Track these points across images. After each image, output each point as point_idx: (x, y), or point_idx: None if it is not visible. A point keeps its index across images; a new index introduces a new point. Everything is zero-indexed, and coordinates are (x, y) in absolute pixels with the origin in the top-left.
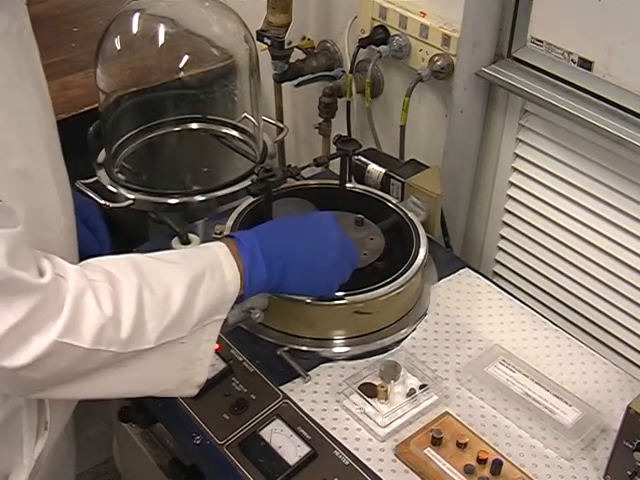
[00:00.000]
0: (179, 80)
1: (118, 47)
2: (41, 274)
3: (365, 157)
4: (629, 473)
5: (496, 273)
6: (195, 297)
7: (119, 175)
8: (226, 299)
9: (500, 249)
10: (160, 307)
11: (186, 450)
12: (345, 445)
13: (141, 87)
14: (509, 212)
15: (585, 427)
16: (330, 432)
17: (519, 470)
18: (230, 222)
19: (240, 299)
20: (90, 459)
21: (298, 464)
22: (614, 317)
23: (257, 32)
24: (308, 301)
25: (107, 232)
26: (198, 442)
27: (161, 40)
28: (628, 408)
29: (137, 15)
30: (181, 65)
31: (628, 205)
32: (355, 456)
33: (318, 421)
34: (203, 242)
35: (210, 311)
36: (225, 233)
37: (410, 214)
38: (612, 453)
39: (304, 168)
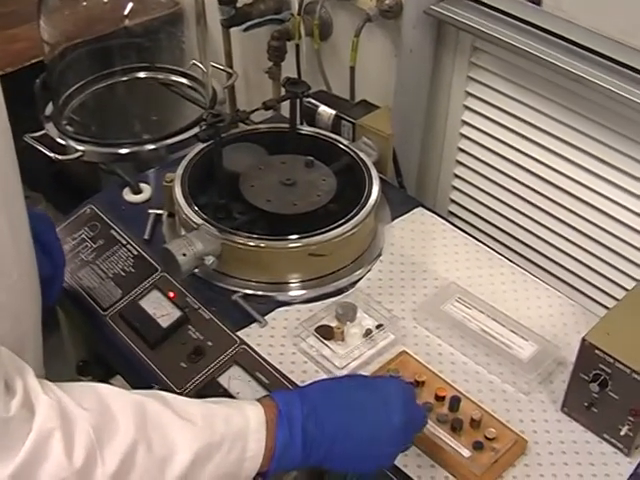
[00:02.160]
0: (125, 29)
1: None
2: (8, 395)
3: (315, 99)
4: (585, 404)
5: (451, 212)
6: (202, 469)
7: (67, 127)
8: (240, 476)
9: (455, 188)
10: (153, 471)
11: None
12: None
13: (87, 37)
14: (462, 151)
15: (542, 361)
16: (288, 376)
17: (477, 406)
18: (180, 170)
19: (262, 476)
20: None
21: None
22: (568, 252)
23: None
24: (262, 245)
25: (62, 253)
26: None
27: None
28: (583, 340)
29: None
30: (126, 13)
31: (579, 139)
32: None
33: (276, 365)
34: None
35: None
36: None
37: (362, 155)
38: (568, 385)
39: (253, 112)
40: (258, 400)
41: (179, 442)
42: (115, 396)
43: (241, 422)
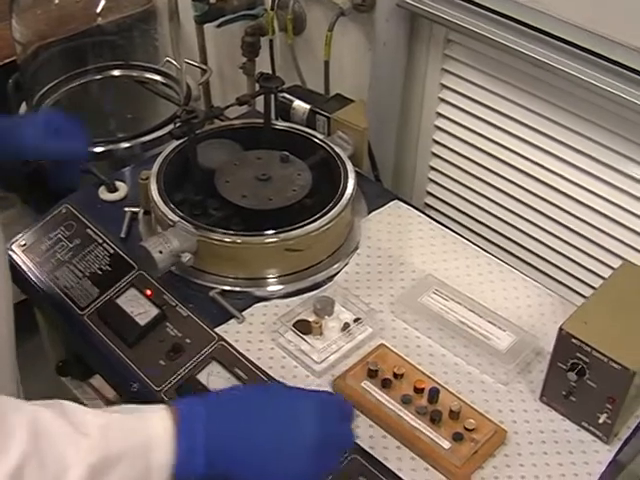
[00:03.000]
0: (98, 27)
1: None
2: None
3: (290, 94)
4: (564, 393)
5: (428, 204)
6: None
7: None
8: None
9: (431, 180)
10: None
11: (124, 399)
12: (282, 383)
13: (59, 36)
14: (438, 143)
15: (520, 351)
16: (267, 371)
17: (456, 397)
18: (155, 168)
19: None
20: None
21: None
22: (545, 241)
23: None
24: (238, 241)
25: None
26: (135, 390)
27: None
28: (560, 329)
29: None
30: (98, 11)
31: (553, 129)
32: None
33: (254, 361)
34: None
35: None
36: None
37: (337, 149)
38: (546, 375)
39: (227, 108)
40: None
41: (72, 456)
42: (12, 408)
43: (143, 434)
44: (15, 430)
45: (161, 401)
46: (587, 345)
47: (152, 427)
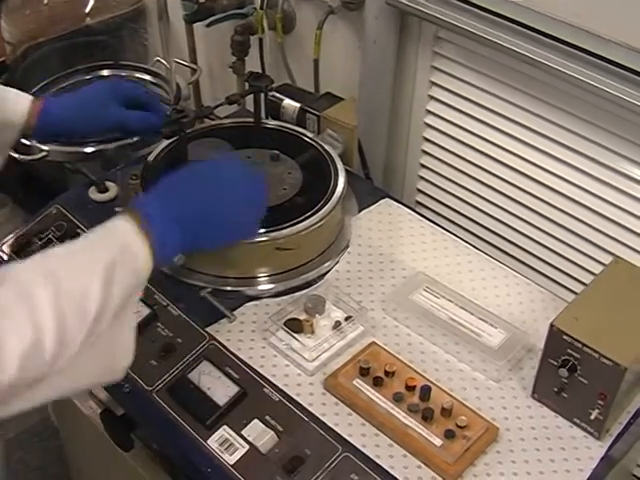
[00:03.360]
0: (87, 27)
1: None
2: None
3: (280, 93)
4: (555, 390)
5: (419, 202)
6: (111, 291)
7: None
8: (139, 281)
9: (421, 178)
10: (79, 312)
11: (116, 399)
12: (274, 382)
13: (49, 37)
14: (428, 140)
15: (511, 348)
16: (258, 370)
17: (448, 394)
18: (146, 167)
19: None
20: (27, 418)
21: (228, 404)
22: (536, 238)
23: None
24: None
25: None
26: (127, 390)
27: None
28: (551, 326)
29: None
30: (87, 11)
31: (544, 126)
32: (285, 392)
33: (246, 360)
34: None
35: (127, 296)
36: (128, 205)
37: (327, 147)
38: (538, 371)
39: (217, 107)
40: (124, 213)
41: (87, 278)
42: (19, 271)
43: (120, 239)
44: (38, 279)
45: (154, 402)
46: (578, 341)
47: (123, 233)
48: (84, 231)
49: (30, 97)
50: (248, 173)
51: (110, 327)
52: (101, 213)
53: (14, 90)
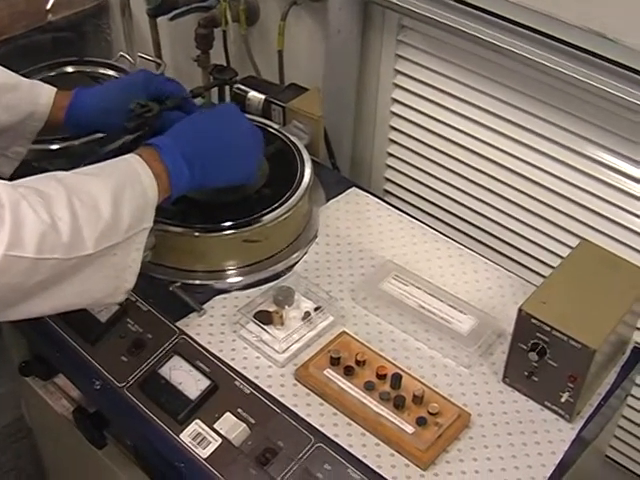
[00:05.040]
0: (49, 24)
1: None
2: None
3: (245, 85)
4: (526, 374)
5: (387, 191)
6: (121, 204)
7: None
8: (148, 205)
9: (389, 167)
10: (92, 214)
11: (88, 396)
12: (245, 374)
13: (10, 34)
14: (395, 129)
15: (481, 334)
16: (229, 363)
17: (419, 382)
18: None
19: (168, 201)
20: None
21: (200, 398)
22: (503, 223)
23: None
24: (196, 234)
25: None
26: (98, 387)
27: None
28: (519, 310)
29: None
30: (49, 7)
31: (509, 112)
32: (256, 384)
33: (216, 353)
34: None
35: (137, 217)
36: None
37: (293, 138)
38: (508, 356)
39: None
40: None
41: (97, 191)
42: (33, 180)
43: (128, 166)
44: (52, 184)
45: (126, 398)
46: (546, 325)
47: (131, 162)
48: None
49: (53, 88)
50: (249, 122)
51: (120, 248)
52: None
53: (27, 80)
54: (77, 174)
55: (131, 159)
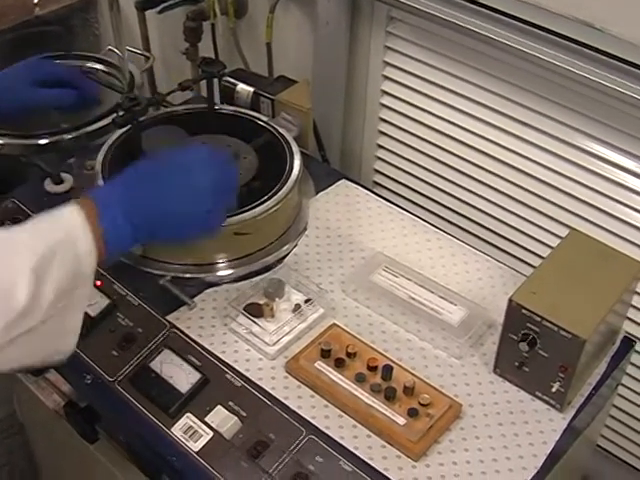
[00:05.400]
0: (37, 18)
1: None
2: None
3: (233, 78)
4: (516, 364)
5: (377, 183)
6: (44, 283)
7: None
8: (82, 273)
9: (379, 158)
10: (2, 304)
11: (79, 391)
12: (236, 367)
13: None
14: (384, 121)
15: (472, 324)
16: (220, 356)
17: (410, 373)
18: (100, 157)
19: (101, 264)
20: None
21: (191, 391)
22: (493, 214)
23: None
24: None
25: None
26: (89, 382)
27: None
28: (510, 301)
29: None
30: (36, 1)
31: (499, 103)
32: (247, 377)
33: (207, 347)
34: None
35: (65, 290)
36: (83, 194)
37: (282, 130)
38: (499, 347)
39: (169, 94)
40: (76, 202)
41: (16, 266)
42: None
43: (64, 227)
44: None
45: (117, 393)
46: (537, 315)
47: (69, 222)
48: None
49: None
50: (213, 157)
51: (49, 321)
52: (57, 205)
53: None
54: (4, 239)
55: (70, 218)
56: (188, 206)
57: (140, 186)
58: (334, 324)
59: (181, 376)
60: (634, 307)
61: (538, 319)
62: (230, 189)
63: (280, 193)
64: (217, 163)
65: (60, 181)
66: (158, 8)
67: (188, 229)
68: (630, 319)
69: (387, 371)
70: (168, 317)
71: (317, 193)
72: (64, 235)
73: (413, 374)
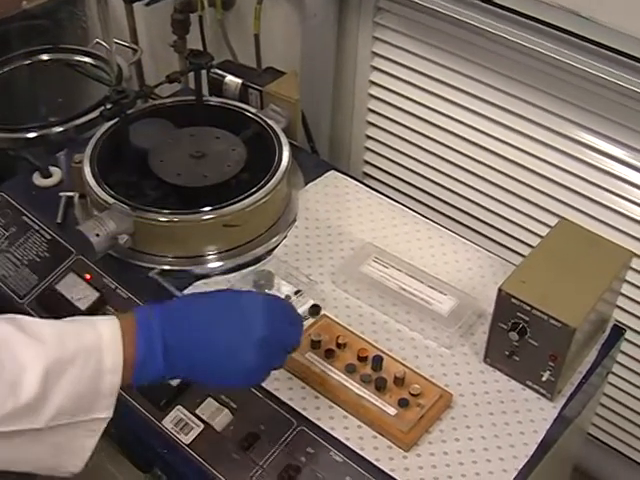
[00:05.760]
0: (24, 12)
1: None
2: None
3: (221, 69)
4: (507, 353)
5: (366, 174)
6: (55, 385)
7: None
8: (101, 392)
9: (368, 149)
10: (3, 390)
11: None
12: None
13: None
14: (373, 111)
15: (462, 314)
16: None
17: (400, 363)
18: (88, 150)
19: (128, 389)
20: None
21: (181, 384)
22: (483, 204)
23: None
24: (175, 219)
25: None
26: None
27: None
28: (499, 290)
29: None
30: None
31: (488, 92)
32: None
33: None
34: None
35: (80, 404)
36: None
37: (270, 122)
38: (489, 336)
39: (157, 86)
40: (117, 316)
41: (28, 361)
42: None
43: (93, 336)
44: None
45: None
46: (526, 304)
47: (102, 331)
48: (29, 218)
49: None
50: (279, 320)
51: (57, 431)
52: (46, 199)
53: None
54: (19, 332)
55: (103, 328)
56: (231, 353)
57: (185, 320)
58: (324, 315)
59: None
60: (624, 295)
61: (528, 308)
62: (285, 348)
63: (269, 184)
64: (278, 318)
65: (49, 175)
66: (145, 0)
67: (225, 377)
68: (620, 307)
69: (377, 362)
70: None
71: (306, 184)
72: (90, 344)
73: (403, 364)
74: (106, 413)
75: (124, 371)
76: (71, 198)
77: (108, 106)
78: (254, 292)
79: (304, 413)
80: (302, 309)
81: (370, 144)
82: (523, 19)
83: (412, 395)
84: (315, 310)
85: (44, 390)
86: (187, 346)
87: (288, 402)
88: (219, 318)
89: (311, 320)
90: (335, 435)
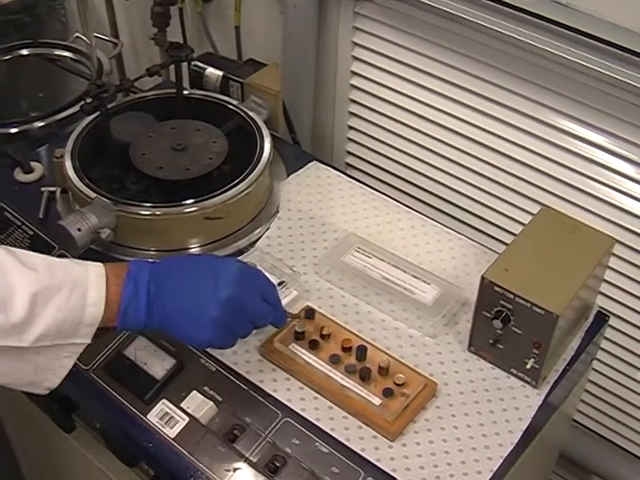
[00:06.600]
0: (2, 7)
1: None
2: None
3: (202, 62)
4: (491, 341)
5: (349, 164)
6: (42, 309)
7: None
8: (83, 321)
9: (350, 140)
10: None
11: None
12: (210, 352)
13: None
14: (355, 102)
15: (445, 303)
16: None
17: (385, 353)
18: (69, 145)
19: (114, 329)
20: None
21: (166, 377)
22: (465, 192)
23: None
24: (157, 213)
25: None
26: None
27: None
28: (482, 278)
29: None
30: None
31: (468, 81)
32: (221, 362)
33: None
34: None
35: (62, 329)
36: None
37: (251, 113)
38: (472, 324)
39: (137, 80)
40: (112, 264)
41: (19, 284)
42: None
43: (81, 272)
44: None
45: (92, 381)
46: (509, 292)
47: (90, 269)
48: (11, 214)
49: None
50: (251, 290)
51: (42, 351)
52: (28, 194)
53: None
54: (12, 258)
55: (90, 267)
56: (199, 307)
57: (171, 272)
58: (308, 306)
59: (156, 362)
60: (607, 282)
61: (511, 296)
62: (251, 321)
63: (251, 176)
64: (251, 287)
65: (30, 170)
66: None
67: (192, 330)
68: (604, 294)
69: (361, 352)
70: None
71: (288, 176)
72: (77, 277)
73: (388, 354)
74: (85, 339)
75: (108, 309)
76: (53, 193)
77: (88, 100)
78: (236, 259)
79: (289, 404)
80: (286, 300)
81: (352, 134)
82: (502, 7)
83: (397, 385)
84: (311, 314)
85: (32, 313)
86: (163, 297)
87: (273, 394)
88: (196, 276)
89: (306, 321)
90: (320, 426)
